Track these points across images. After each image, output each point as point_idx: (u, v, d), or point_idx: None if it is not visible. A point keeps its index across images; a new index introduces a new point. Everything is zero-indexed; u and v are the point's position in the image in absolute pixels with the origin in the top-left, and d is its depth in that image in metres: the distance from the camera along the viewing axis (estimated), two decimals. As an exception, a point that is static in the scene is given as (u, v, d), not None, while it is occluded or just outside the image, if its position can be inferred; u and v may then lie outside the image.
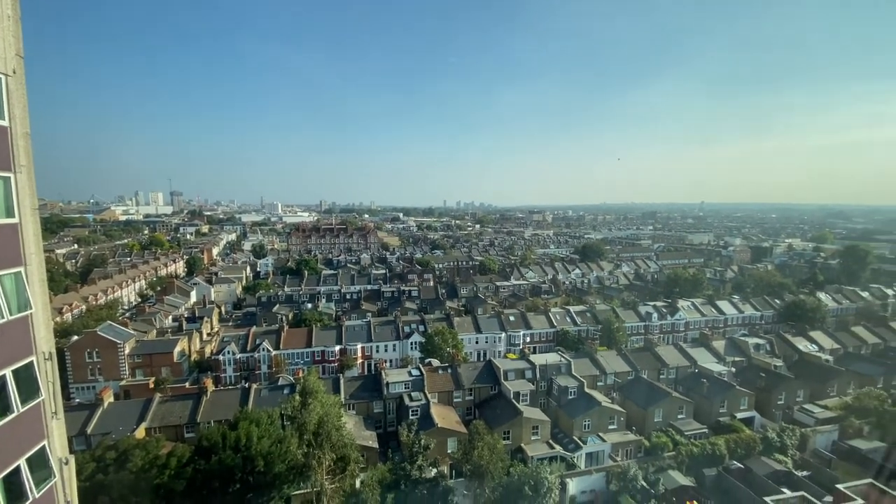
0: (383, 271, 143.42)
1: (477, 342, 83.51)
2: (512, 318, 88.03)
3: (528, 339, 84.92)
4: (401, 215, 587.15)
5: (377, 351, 79.58)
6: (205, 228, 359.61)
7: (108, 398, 52.04)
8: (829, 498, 33.73)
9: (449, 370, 61.80)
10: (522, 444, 51.87)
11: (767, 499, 32.74)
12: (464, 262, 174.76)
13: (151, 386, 60.59)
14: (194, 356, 79.63)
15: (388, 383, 57.44)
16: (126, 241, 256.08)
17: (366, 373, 74.41)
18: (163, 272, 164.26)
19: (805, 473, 47.88)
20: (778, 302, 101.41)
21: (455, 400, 58.85)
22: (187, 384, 66.51)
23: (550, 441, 53.02)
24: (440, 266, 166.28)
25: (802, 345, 75.89)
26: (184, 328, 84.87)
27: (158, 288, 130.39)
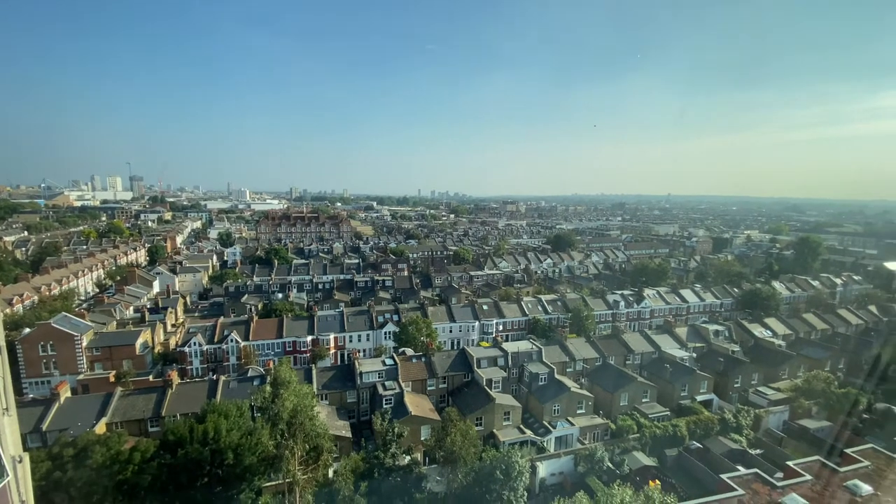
0: (356, 261, 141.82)
1: (451, 331, 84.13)
2: (485, 307, 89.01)
3: (500, 328, 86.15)
4: (374, 204, 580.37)
5: (350, 341, 78.99)
6: (168, 215, 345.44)
7: (65, 393, 49.74)
8: (780, 474, 35.93)
9: (423, 359, 62.09)
10: (494, 430, 52.89)
11: (723, 476, 34.59)
12: (438, 252, 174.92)
13: (112, 379, 58.30)
14: (158, 348, 76.90)
15: (361, 373, 57.22)
16: (82, 228, 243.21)
17: (339, 363, 73.84)
18: (122, 261, 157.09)
19: (758, 452, 50.86)
20: (736, 290, 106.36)
21: (429, 388, 59.28)
22: (151, 377, 64.29)
23: (521, 426, 54.29)
24: (414, 256, 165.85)
25: (758, 331, 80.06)
26: (146, 319, 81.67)
27: (118, 277, 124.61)
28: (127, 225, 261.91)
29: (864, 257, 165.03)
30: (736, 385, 65.25)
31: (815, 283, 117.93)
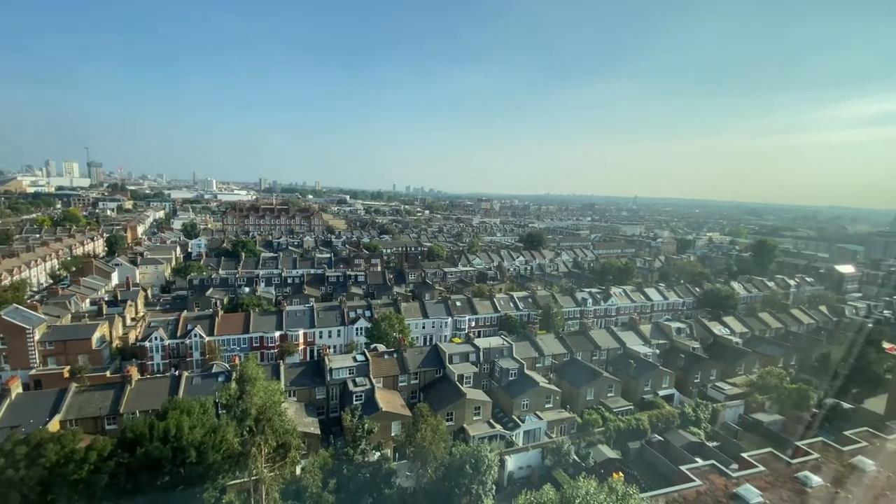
0: (328, 255, 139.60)
1: (424, 327, 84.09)
2: (458, 304, 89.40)
3: (473, 324, 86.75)
4: (348, 198, 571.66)
5: (321, 337, 77.74)
6: (128, 204, 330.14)
7: (17, 388, 46.96)
8: (735, 466, 37.71)
9: (395, 355, 61.82)
10: (465, 425, 53.33)
11: (683, 468, 36.06)
12: (412, 248, 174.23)
13: (66, 375, 55.48)
14: (116, 343, 73.59)
15: (331, 369, 56.47)
16: (35, 215, 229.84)
17: (308, 359, 72.57)
18: (79, 251, 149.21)
19: (715, 444, 53.26)
20: (698, 290, 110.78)
21: (400, 384, 59.12)
22: (108, 373, 61.47)
23: (491, 421, 54.94)
24: (388, 251, 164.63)
25: (717, 329, 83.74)
26: (104, 313, 77.81)
27: (73, 268, 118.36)
28: (84, 213, 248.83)
29: (815, 260, 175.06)
30: (696, 380, 68.06)
31: (771, 283, 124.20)
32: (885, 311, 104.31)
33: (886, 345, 74.14)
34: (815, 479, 32.90)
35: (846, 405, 59.56)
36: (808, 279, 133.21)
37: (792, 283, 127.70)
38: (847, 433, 40.88)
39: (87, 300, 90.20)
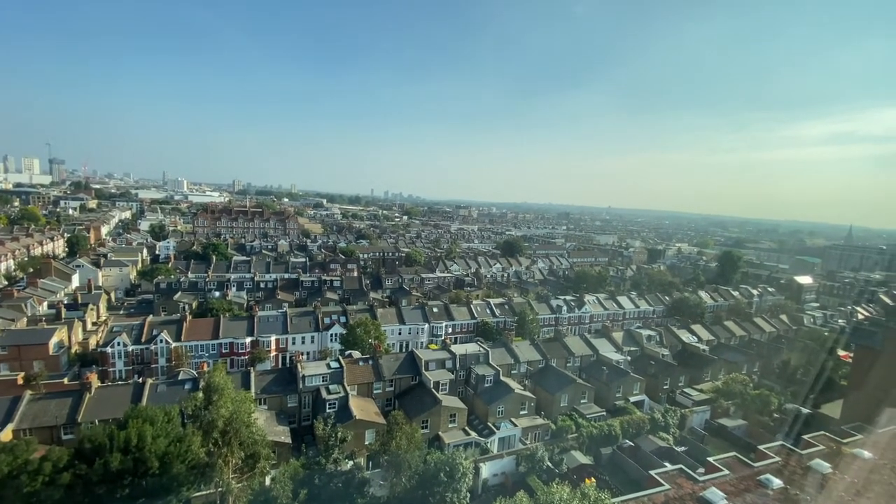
0: (303, 259, 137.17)
1: (400, 333, 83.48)
2: (435, 310, 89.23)
3: (450, 330, 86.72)
4: (324, 202, 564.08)
5: (293, 343, 76.12)
6: (92, 203, 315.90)
7: (-40, 397, 44.07)
8: (701, 469, 38.72)
9: (370, 362, 61.08)
10: (440, 432, 53.05)
11: (652, 472, 36.80)
12: (390, 253, 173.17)
13: (20, 382, 52.31)
14: (76, 348, 70.19)
15: (304, 376, 55.28)
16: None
17: (280, 366, 70.91)
18: (37, 251, 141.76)
19: (683, 449, 54.61)
20: (667, 298, 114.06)
21: (375, 391, 58.41)
22: (66, 380, 58.23)
23: (466, 428, 54.86)
24: (365, 256, 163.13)
25: (685, 336, 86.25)
26: (63, 316, 74.13)
27: (31, 269, 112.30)
28: (44, 212, 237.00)
29: (777, 271, 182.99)
30: (665, 387, 69.84)
31: (735, 293, 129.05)
32: (840, 321, 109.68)
33: (841, 352, 77.99)
34: (776, 482, 34.12)
35: (805, 410, 62.15)
36: (769, 289, 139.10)
37: (755, 292, 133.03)
38: (805, 437, 42.60)
39: (45, 303, 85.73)
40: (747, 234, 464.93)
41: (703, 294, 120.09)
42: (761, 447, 40.99)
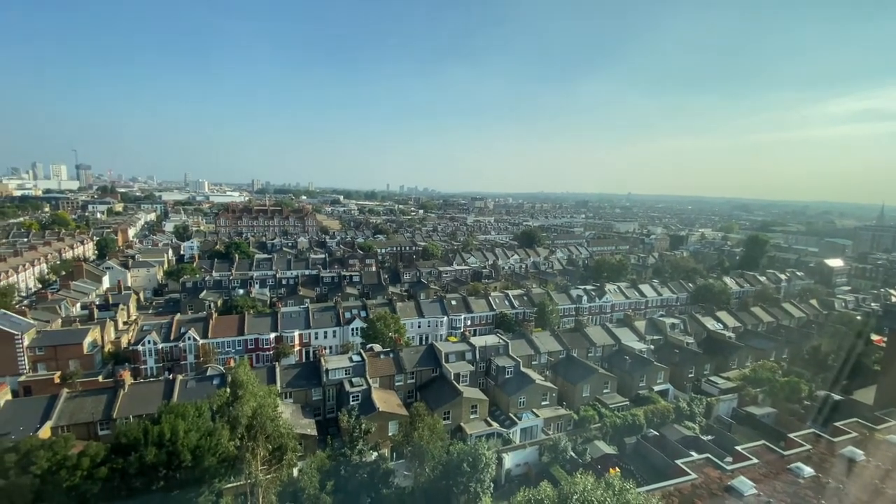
0: (322, 256, 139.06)
1: (419, 326, 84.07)
2: (454, 303, 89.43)
3: (469, 323, 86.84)
4: (341, 198, 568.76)
5: (316, 338, 77.50)
6: (118, 207, 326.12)
7: (5, 395, 46.40)
8: (729, 458, 38.06)
9: (391, 355, 61.75)
10: (462, 423, 53.38)
11: (678, 461, 36.33)
12: (407, 248, 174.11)
13: (57, 380, 54.74)
14: (108, 347, 72.85)
15: (327, 370, 56.27)
16: (22, 219, 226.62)
17: (304, 360, 72.33)
18: (68, 255, 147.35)
19: (709, 438, 53.64)
20: (691, 286, 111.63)
21: (397, 384, 59.07)
22: (100, 378, 60.71)
23: (488, 419, 55.05)
24: (383, 251, 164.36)
25: (710, 324, 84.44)
26: (95, 317, 77.03)
27: (63, 272, 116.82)
28: (73, 216, 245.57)
29: (805, 255, 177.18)
30: (690, 375, 68.62)
31: (762, 278, 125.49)
32: (873, 304, 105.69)
33: (875, 337, 75.23)
34: (808, 470, 33.31)
35: (836, 397, 60.25)
36: (798, 273, 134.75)
37: (783, 277, 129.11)
38: (837, 424, 41.38)
39: (78, 304, 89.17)
40: (773, 217, 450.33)
41: (728, 280, 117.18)
42: (791, 435, 40.04)
